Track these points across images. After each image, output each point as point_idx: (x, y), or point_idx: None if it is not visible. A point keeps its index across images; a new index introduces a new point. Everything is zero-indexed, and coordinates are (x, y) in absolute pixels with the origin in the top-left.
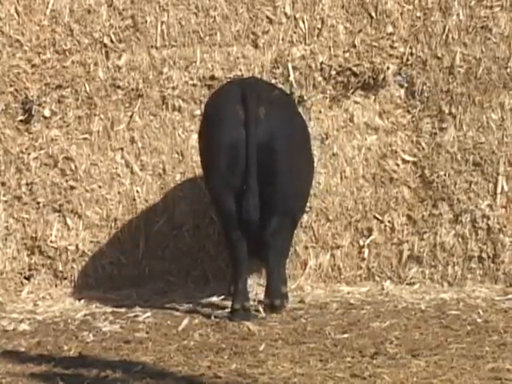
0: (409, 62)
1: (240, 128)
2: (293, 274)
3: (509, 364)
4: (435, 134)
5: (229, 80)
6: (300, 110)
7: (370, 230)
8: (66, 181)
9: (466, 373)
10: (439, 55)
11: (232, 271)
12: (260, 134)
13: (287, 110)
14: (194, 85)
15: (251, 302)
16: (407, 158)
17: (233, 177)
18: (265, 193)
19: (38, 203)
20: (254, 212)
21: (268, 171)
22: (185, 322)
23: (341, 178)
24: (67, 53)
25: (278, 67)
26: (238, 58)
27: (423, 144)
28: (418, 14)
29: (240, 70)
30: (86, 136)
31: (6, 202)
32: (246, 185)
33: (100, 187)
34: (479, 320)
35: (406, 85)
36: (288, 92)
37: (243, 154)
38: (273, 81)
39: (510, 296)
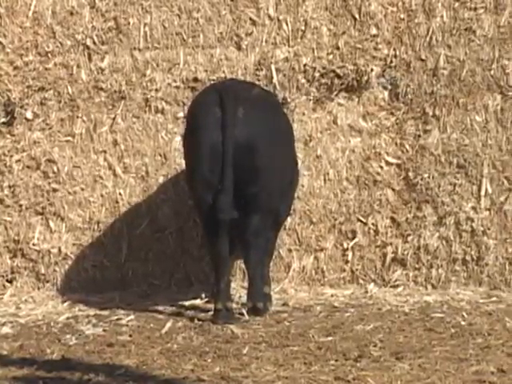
0: (392, 64)
1: (219, 129)
2: (276, 277)
3: (493, 367)
4: (419, 136)
5: (209, 84)
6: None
7: (353, 233)
8: (49, 183)
9: (450, 376)
10: (423, 57)
11: (214, 272)
12: (239, 133)
13: (268, 109)
14: (177, 87)
15: (234, 305)
16: (391, 160)
17: (213, 177)
18: (246, 192)
19: (21, 206)
20: (227, 210)
21: (249, 170)
22: (168, 324)
23: (324, 180)
24: (49, 55)
25: (262, 69)
26: (221, 59)
27: (407, 146)
28: (402, 16)
29: (223, 72)
30: (69, 138)
31: None
32: (220, 183)
33: (83, 190)
34: (463, 323)
35: (389, 87)
36: (271, 92)
37: (223, 155)
38: (256, 83)
39: (494, 299)
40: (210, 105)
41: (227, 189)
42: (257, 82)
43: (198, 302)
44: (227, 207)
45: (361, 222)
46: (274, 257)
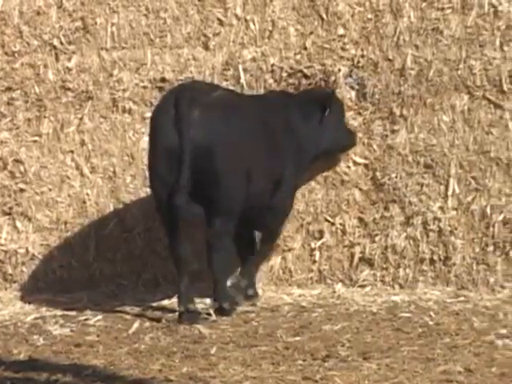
0: (360, 64)
1: (173, 131)
2: None
3: (460, 366)
4: (386, 136)
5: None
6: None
7: (321, 233)
8: (16, 183)
9: (417, 375)
10: (390, 57)
11: (175, 273)
12: (195, 135)
13: (228, 111)
14: (145, 87)
15: (201, 305)
16: (358, 160)
17: (170, 179)
18: (204, 194)
19: None
20: (185, 208)
21: (207, 173)
22: (135, 325)
23: None
24: (16, 55)
25: (229, 69)
26: (188, 59)
27: (374, 146)
28: (369, 16)
29: (191, 72)
30: (36, 138)
31: None
32: (176, 182)
33: (50, 190)
34: (431, 322)
35: (357, 87)
36: (241, 94)
37: (178, 156)
38: (224, 83)
39: (461, 298)
40: (166, 106)
41: (182, 187)
42: (224, 82)
43: (165, 302)
44: (183, 205)
45: (328, 222)
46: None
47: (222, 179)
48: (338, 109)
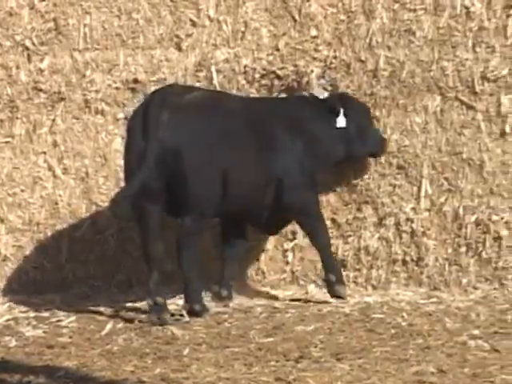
0: (333, 65)
1: (142, 132)
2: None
3: (433, 367)
4: None
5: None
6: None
7: (294, 234)
8: None
9: (390, 376)
10: (363, 58)
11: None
12: (163, 136)
13: (201, 112)
14: (117, 88)
15: (174, 306)
16: None
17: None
18: (176, 193)
19: None
20: (119, 205)
21: (175, 173)
22: (108, 326)
23: None
24: None
25: (202, 70)
26: (161, 61)
27: None
28: (342, 17)
29: (163, 73)
30: (8, 139)
31: None
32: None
33: (22, 191)
34: (403, 323)
35: (329, 88)
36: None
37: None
38: (196, 84)
39: (433, 299)
40: (139, 110)
41: (130, 185)
42: (197, 84)
43: (138, 303)
44: (120, 201)
45: None
46: (214, 258)
47: (191, 179)
48: (359, 113)
